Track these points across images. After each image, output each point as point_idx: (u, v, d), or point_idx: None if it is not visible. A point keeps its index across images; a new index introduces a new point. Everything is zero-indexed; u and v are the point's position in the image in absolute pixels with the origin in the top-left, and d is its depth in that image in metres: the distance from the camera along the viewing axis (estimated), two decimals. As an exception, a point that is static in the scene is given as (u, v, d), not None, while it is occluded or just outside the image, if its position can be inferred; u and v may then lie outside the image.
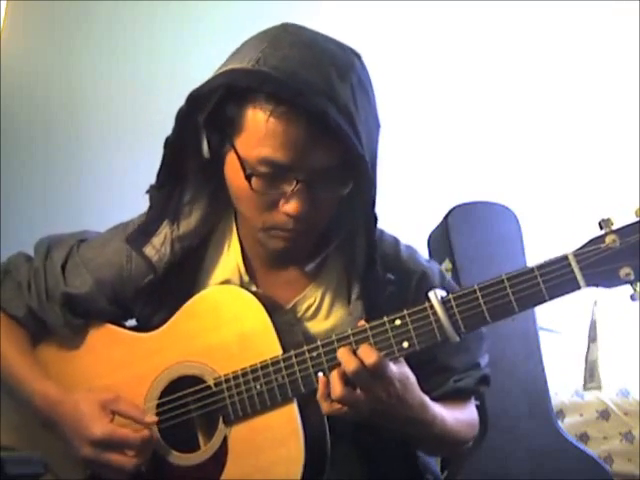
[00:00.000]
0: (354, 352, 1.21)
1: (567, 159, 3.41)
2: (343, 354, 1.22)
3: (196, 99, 1.25)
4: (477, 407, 1.50)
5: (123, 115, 3.04)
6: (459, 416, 1.41)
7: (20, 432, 1.46)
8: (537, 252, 2.71)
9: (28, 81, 2.96)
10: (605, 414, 2.82)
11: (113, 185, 3.04)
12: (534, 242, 2.75)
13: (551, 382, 2.66)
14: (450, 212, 2.71)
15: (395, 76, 3.19)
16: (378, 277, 1.34)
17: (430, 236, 2.79)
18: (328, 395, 1.23)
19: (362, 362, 1.20)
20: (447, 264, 2.65)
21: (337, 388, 1.20)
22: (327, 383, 1.23)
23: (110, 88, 3.05)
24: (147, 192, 1.37)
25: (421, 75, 3.20)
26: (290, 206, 1.24)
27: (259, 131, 1.21)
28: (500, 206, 2.76)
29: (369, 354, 1.20)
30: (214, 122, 1.27)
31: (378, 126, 1.30)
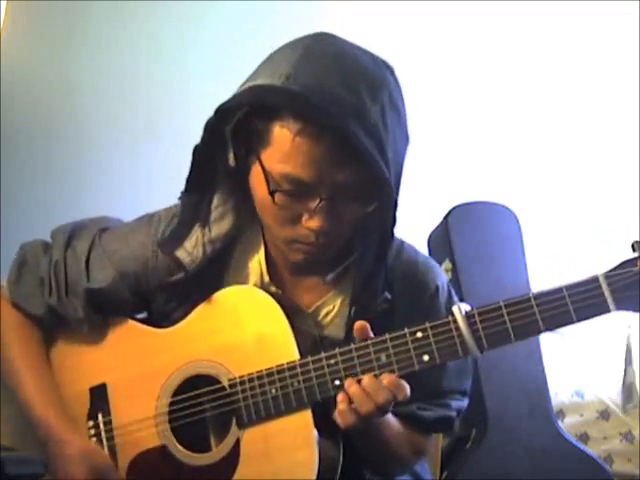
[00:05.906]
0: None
1: (567, 159, 3.40)
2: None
3: (224, 111, 1.25)
4: (476, 407, 1.49)
5: (123, 115, 3.03)
6: (406, 435, 1.40)
7: (20, 432, 1.45)
8: (537, 252, 2.73)
9: (28, 81, 2.96)
10: (605, 414, 2.82)
11: (113, 185, 3.03)
12: (534, 242, 2.75)
13: (551, 382, 2.66)
14: (450, 212, 2.71)
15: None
16: (376, 292, 1.34)
17: (430, 236, 2.79)
18: (352, 409, 1.21)
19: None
20: (447, 264, 2.65)
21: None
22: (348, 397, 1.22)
23: (110, 88, 3.05)
24: (179, 198, 1.37)
25: (421, 75, 3.19)
26: (313, 222, 1.24)
27: (285, 148, 1.21)
28: (500, 206, 2.76)
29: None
30: (241, 133, 1.26)
31: (407, 141, 1.29)
